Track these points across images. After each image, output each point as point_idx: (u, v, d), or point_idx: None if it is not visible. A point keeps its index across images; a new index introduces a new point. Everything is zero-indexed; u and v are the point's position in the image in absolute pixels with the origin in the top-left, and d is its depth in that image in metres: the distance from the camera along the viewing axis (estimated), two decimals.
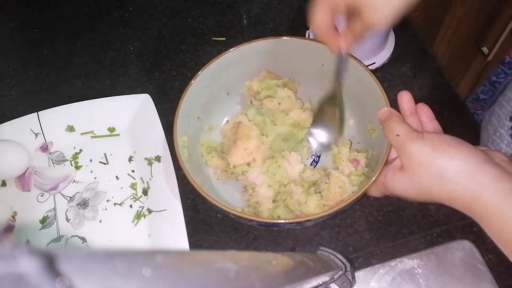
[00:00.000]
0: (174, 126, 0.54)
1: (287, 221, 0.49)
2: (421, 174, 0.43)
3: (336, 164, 0.57)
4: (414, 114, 0.51)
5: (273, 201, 0.57)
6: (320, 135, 0.59)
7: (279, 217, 0.56)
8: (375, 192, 0.50)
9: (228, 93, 0.64)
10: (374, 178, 0.48)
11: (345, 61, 0.54)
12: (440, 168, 0.42)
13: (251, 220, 0.49)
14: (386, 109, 0.51)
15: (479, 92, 0.91)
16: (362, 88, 0.56)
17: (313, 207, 0.54)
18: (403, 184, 0.45)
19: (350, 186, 0.55)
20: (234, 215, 0.49)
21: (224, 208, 0.48)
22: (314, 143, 0.60)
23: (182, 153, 0.53)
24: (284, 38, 0.59)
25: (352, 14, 0.48)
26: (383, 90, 0.53)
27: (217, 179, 0.61)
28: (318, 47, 0.58)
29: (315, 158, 0.63)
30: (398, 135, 0.46)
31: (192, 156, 0.58)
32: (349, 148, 0.58)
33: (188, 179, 0.50)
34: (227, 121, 0.65)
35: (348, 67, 0.54)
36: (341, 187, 0.54)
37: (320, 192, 0.55)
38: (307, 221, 0.48)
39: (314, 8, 0.48)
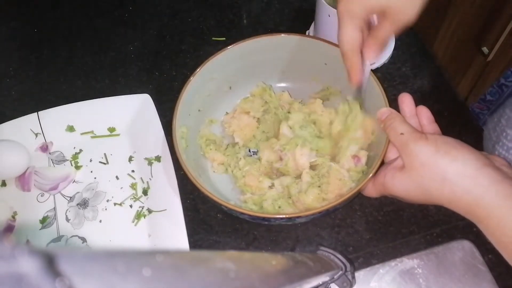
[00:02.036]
0: (173, 116, 0.54)
1: (277, 216, 0.49)
2: (423, 174, 0.43)
3: (338, 157, 0.57)
4: (414, 116, 0.51)
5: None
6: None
7: (279, 207, 0.56)
8: (373, 192, 0.50)
9: (230, 87, 0.64)
10: (370, 176, 0.48)
11: (363, 89, 0.54)
12: (442, 169, 0.42)
13: (242, 213, 0.49)
14: (387, 109, 0.51)
15: (487, 93, 0.91)
16: None
17: (311, 199, 0.54)
18: (403, 184, 0.45)
19: (349, 180, 0.55)
20: (226, 207, 0.49)
21: (216, 199, 0.49)
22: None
23: (180, 143, 0.53)
24: (289, 35, 0.59)
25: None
26: (382, 90, 0.53)
27: (214, 171, 0.61)
28: (320, 45, 0.58)
29: None
30: (402, 134, 0.46)
31: (190, 147, 0.58)
32: (359, 147, 0.57)
33: (182, 167, 0.51)
34: (227, 112, 0.66)
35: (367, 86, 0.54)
36: (341, 180, 0.54)
37: (319, 186, 0.56)
38: (297, 217, 0.48)
39: (340, 26, 0.48)
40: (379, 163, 0.48)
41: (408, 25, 0.47)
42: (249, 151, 0.62)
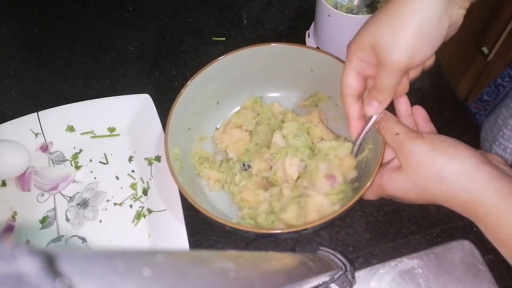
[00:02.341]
0: (165, 139, 0.54)
1: (284, 231, 0.48)
2: (420, 173, 0.43)
3: (312, 181, 0.54)
4: (410, 116, 0.51)
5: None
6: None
7: (272, 222, 0.55)
8: (370, 195, 0.50)
9: (218, 102, 0.64)
10: (370, 182, 0.48)
11: (362, 139, 0.51)
12: (439, 167, 0.41)
13: (247, 231, 0.49)
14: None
15: (484, 93, 0.91)
16: None
17: (291, 216, 0.53)
18: (400, 184, 0.45)
19: (330, 206, 0.52)
20: (229, 227, 0.48)
21: (220, 220, 0.48)
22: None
23: (174, 166, 0.53)
24: (272, 44, 0.59)
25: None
26: None
27: (210, 190, 0.61)
28: (305, 52, 0.58)
29: None
30: (397, 134, 0.45)
31: (184, 168, 0.57)
32: (327, 164, 0.55)
33: (182, 193, 0.50)
34: (217, 128, 0.65)
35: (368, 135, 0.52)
36: (319, 211, 0.51)
37: (299, 203, 0.54)
38: (304, 229, 0.48)
39: (344, 71, 0.47)
40: (377, 167, 0.48)
41: (398, 67, 0.42)
42: (244, 165, 0.62)
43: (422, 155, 0.43)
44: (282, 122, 0.62)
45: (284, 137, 0.60)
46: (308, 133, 0.60)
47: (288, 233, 0.49)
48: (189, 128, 0.61)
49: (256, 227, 0.54)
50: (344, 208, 0.47)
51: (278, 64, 0.61)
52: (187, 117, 0.59)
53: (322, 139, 0.60)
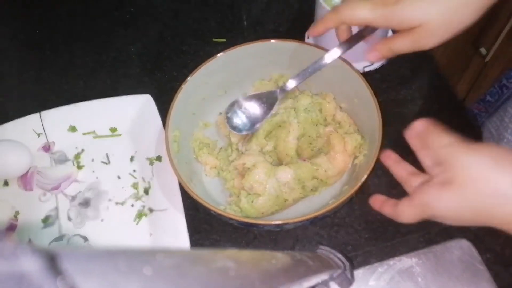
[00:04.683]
0: (166, 119, 0.55)
1: (266, 222, 0.49)
2: (478, 191, 0.37)
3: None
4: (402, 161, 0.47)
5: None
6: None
7: (252, 202, 0.56)
8: (411, 216, 0.42)
9: (225, 91, 0.65)
10: (360, 184, 0.48)
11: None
12: (504, 184, 0.36)
13: (231, 219, 0.50)
14: (421, 121, 0.44)
15: (487, 94, 0.91)
16: (354, 92, 0.56)
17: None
18: (453, 204, 0.38)
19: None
20: (215, 212, 0.49)
21: (206, 204, 0.49)
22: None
23: (172, 147, 0.54)
24: (283, 41, 0.59)
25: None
26: (374, 96, 0.53)
27: (206, 175, 0.62)
28: (315, 51, 0.58)
29: None
30: (447, 145, 0.40)
31: (183, 150, 0.58)
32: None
33: (174, 172, 0.51)
34: (220, 113, 0.66)
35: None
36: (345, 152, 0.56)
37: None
38: (285, 224, 0.48)
39: (357, 6, 0.45)
40: (369, 170, 0.48)
41: (430, 48, 0.43)
42: None
43: (481, 171, 0.37)
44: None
45: (295, 109, 0.60)
46: (321, 110, 0.61)
47: (269, 225, 0.50)
48: (193, 113, 0.62)
49: (237, 215, 0.53)
50: (327, 208, 0.47)
51: (286, 61, 0.62)
52: (193, 102, 0.60)
53: (334, 116, 0.60)
